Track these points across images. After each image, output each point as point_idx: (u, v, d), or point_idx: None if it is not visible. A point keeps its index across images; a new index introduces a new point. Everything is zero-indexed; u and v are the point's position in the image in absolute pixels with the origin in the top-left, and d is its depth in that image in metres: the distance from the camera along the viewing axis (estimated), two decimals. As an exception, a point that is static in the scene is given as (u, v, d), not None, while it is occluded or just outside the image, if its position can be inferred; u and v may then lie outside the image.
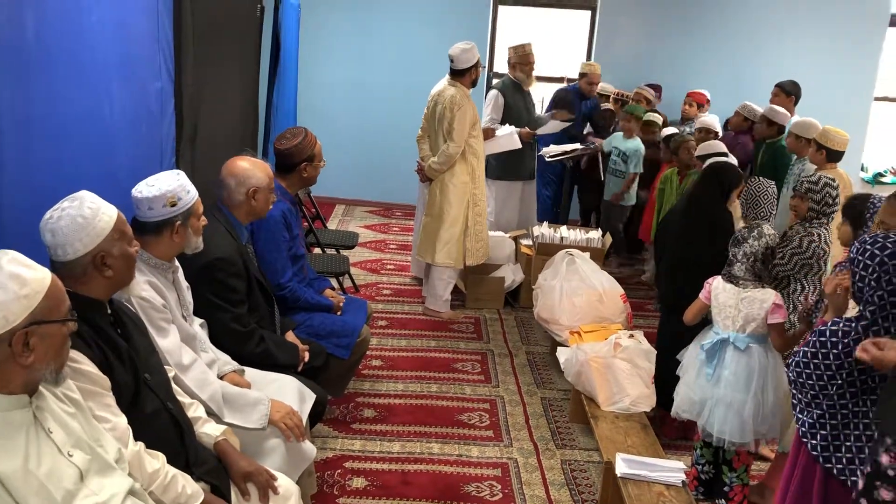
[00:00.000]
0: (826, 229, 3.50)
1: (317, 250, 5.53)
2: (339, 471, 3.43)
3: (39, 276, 1.65)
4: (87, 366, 1.94)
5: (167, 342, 2.47)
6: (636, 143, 6.04)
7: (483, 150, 5.30)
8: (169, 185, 2.47)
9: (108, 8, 2.75)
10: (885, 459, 1.91)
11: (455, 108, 5.00)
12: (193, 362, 2.54)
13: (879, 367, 2.01)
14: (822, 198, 3.45)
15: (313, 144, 3.60)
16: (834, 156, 4.64)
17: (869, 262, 2.16)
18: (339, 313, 3.69)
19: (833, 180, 3.49)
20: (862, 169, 8.21)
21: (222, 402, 2.57)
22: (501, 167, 5.96)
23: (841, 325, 2.28)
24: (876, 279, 2.14)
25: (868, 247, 2.17)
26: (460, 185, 5.16)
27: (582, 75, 6.75)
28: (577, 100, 6.61)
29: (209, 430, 2.35)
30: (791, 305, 3.48)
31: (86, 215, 2.00)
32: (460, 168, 5.14)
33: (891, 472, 1.89)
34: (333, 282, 5.26)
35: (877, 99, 7.97)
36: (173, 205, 2.46)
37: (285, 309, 3.47)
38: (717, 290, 3.22)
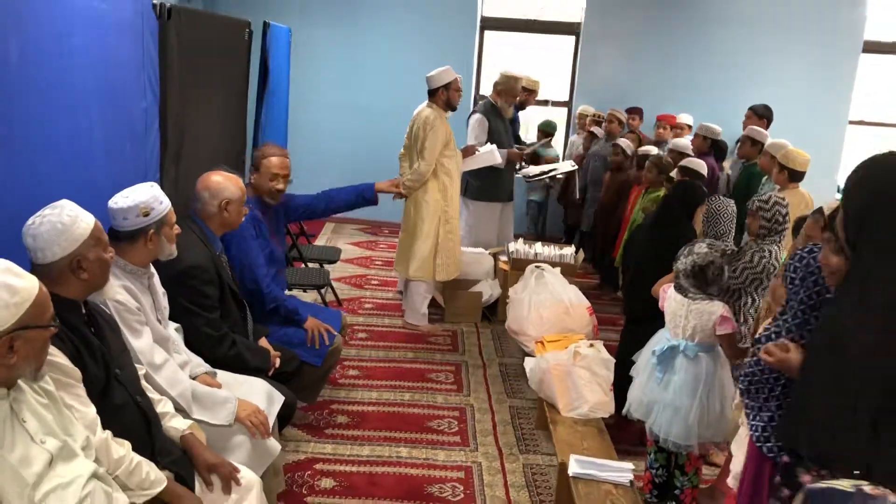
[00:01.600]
0: (778, 246, 3.67)
1: (301, 265, 5.72)
2: (310, 472, 3.59)
3: (29, 286, 1.81)
4: (61, 358, 2.10)
5: (140, 343, 2.64)
6: (552, 150, 7.45)
7: (457, 169, 5.49)
8: (142, 197, 2.65)
9: (92, 32, 2.94)
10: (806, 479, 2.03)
11: (427, 127, 5.21)
12: (165, 362, 2.71)
13: (785, 369, 2.18)
14: (772, 216, 3.62)
15: (265, 155, 3.85)
16: (796, 176, 4.84)
17: (798, 264, 2.36)
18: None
19: (783, 199, 3.66)
20: (838, 191, 8.40)
21: (192, 399, 2.73)
22: (480, 188, 6.15)
23: (773, 326, 2.44)
24: (801, 279, 2.34)
25: (799, 252, 2.38)
26: (432, 202, 5.35)
27: (529, 90, 6.94)
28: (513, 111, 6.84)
29: (176, 424, 2.51)
30: (742, 317, 3.65)
31: (65, 222, 2.18)
32: (432, 185, 5.34)
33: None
34: (315, 294, 5.47)
35: (851, 122, 8.19)
36: (146, 214, 2.64)
37: (262, 315, 3.65)
38: (670, 298, 3.38)
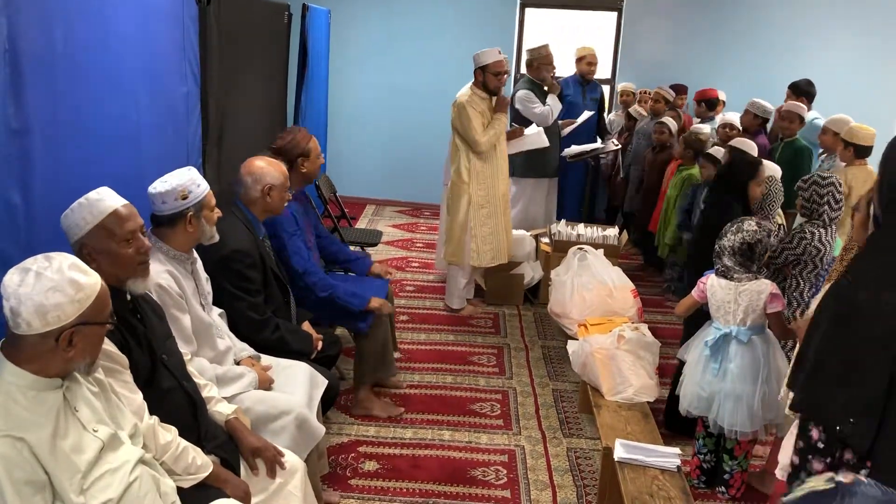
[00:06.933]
0: (826, 229, 3.52)
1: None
2: (353, 454, 3.61)
3: (92, 282, 1.84)
4: (108, 346, 2.13)
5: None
6: None
7: (494, 151, 5.27)
8: (180, 180, 2.67)
9: (134, 18, 2.95)
10: (815, 434, 2.11)
11: (460, 115, 5.08)
12: (191, 355, 2.71)
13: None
14: (809, 195, 3.48)
15: (307, 140, 3.73)
16: (862, 151, 4.69)
17: None
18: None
19: (823, 179, 3.50)
20: None
21: (216, 383, 2.75)
22: (527, 165, 6.08)
23: None
24: None
25: None
26: (458, 182, 5.23)
27: (580, 58, 6.69)
28: (575, 85, 6.67)
29: (221, 409, 2.54)
30: (787, 299, 3.56)
31: (74, 208, 2.19)
32: (457, 166, 5.22)
33: (820, 445, 2.10)
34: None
35: (907, 95, 7.89)
36: (184, 197, 2.66)
37: (312, 301, 3.64)
38: (713, 287, 3.30)
